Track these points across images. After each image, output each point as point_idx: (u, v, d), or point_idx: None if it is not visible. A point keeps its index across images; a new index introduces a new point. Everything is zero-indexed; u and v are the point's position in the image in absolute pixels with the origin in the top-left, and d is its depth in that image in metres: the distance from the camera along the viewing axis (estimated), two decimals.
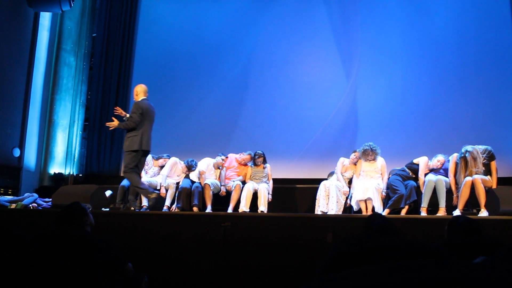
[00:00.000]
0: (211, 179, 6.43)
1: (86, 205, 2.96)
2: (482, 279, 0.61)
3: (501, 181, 5.46)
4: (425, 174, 5.74)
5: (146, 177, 6.61)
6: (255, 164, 6.59)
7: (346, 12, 8.28)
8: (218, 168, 6.67)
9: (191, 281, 4.51)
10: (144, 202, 6.29)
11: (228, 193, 6.35)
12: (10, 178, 7.59)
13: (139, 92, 5.91)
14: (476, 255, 1.89)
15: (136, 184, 5.63)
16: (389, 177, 5.95)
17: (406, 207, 5.60)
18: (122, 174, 5.79)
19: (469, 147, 5.38)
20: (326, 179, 6.40)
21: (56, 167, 8.73)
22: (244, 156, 6.64)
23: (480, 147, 5.40)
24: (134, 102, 5.87)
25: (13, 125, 7.76)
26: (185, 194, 6.27)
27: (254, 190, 6.19)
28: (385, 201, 5.79)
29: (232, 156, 6.76)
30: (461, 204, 5.18)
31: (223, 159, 6.68)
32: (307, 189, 7.02)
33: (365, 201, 5.73)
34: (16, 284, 2.09)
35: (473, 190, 5.14)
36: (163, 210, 6.23)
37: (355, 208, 5.83)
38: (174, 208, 6.26)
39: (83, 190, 5.84)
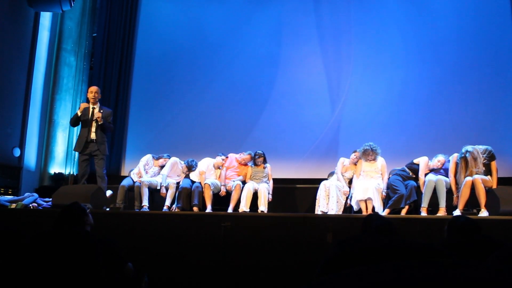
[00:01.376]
0: (211, 179, 6.43)
1: (86, 205, 2.96)
2: (482, 279, 0.61)
3: (501, 181, 5.46)
4: (425, 174, 5.75)
5: (147, 177, 6.62)
6: (255, 164, 6.59)
7: (347, 11, 8.27)
8: (218, 168, 6.67)
9: (191, 281, 4.51)
10: (145, 202, 6.30)
11: (228, 193, 6.35)
12: (10, 178, 7.59)
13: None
14: (476, 255, 1.89)
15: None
16: (389, 177, 5.95)
17: (406, 207, 5.60)
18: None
19: (469, 147, 5.38)
20: (326, 179, 6.39)
21: (56, 167, 8.73)
22: (244, 156, 6.64)
23: (481, 147, 5.40)
24: (110, 110, 6.40)
25: (13, 125, 7.76)
26: (185, 194, 6.27)
27: (254, 190, 6.19)
28: (385, 201, 5.79)
29: (232, 156, 6.76)
30: (461, 204, 5.18)
31: (223, 159, 6.68)
32: (307, 189, 7.02)
33: (365, 201, 5.73)
34: (16, 283, 2.09)
35: (473, 190, 5.15)
36: (163, 210, 6.23)
37: (355, 208, 5.83)
38: (174, 208, 6.26)
39: (83, 190, 5.84)
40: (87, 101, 6.27)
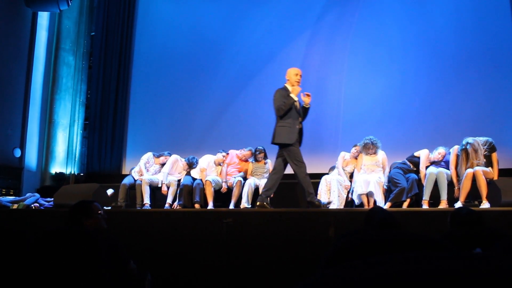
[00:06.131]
0: (212, 175, 6.43)
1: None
2: (484, 270, 0.61)
3: (502, 172, 5.46)
4: (426, 167, 5.74)
5: (148, 175, 6.62)
6: (256, 160, 6.59)
7: (344, 5, 8.25)
8: (219, 164, 6.67)
9: (194, 278, 4.52)
10: (146, 200, 6.32)
11: (230, 189, 6.35)
12: (11, 178, 7.60)
13: None
14: (479, 246, 1.89)
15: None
16: (390, 171, 5.94)
17: (408, 200, 5.60)
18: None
19: (470, 139, 5.37)
20: (327, 173, 6.39)
21: (57, 167, 8.74)
22: (245, 152, 6.64)
23: (481, 139, 5.40)
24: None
25: (13, 125, 7.76)
26: (187, 191, 6.28)
27: (255, 186, 6.19)
28: (387, 195, 5.79)
29: (233, 152, 6.76)
30: (462, 196, 5.18)
31: (224, 156, 6.68)
32: None
33: (367, 195, 5.73)
34: (20, 282, 2.09)
35: (475, 182, 5.15)
36: (165, 208, 6.25)
37: (356, 202, 5.83)
38: (175, 206, 6.27)
39: (84, 189, 5.85)
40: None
